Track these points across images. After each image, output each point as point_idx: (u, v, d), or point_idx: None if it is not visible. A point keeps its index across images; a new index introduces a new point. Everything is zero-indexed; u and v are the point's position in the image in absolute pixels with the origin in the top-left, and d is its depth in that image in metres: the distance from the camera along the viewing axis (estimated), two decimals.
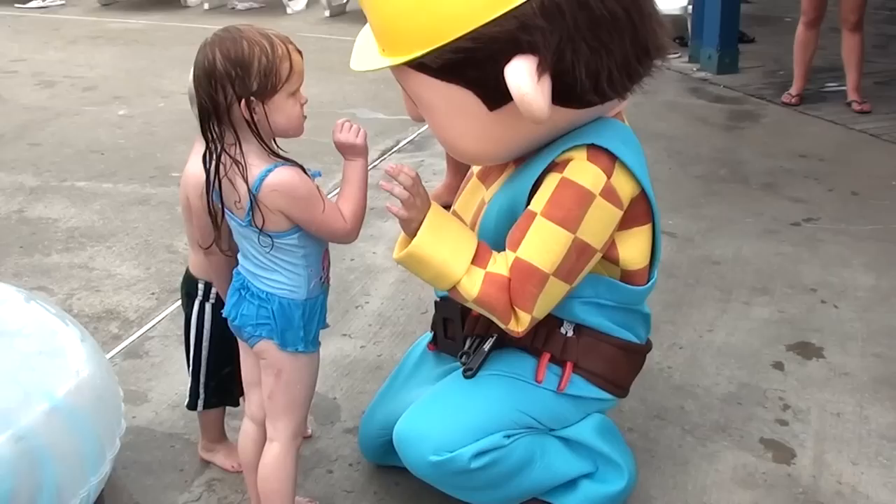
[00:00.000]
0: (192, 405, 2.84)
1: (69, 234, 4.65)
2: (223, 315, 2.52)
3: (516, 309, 2.27)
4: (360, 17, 9.95)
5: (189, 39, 8.96)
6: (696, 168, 5.62)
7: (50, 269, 4.32)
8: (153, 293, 4.07)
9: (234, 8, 10.38)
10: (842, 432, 3.10)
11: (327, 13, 10.02)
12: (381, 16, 2.22)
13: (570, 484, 2.60)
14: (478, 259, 2.27)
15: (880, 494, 2.82)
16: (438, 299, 2.65)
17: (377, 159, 5.69)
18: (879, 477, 2.89)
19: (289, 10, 10.17)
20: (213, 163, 2.24)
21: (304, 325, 2.40)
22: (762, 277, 4.20)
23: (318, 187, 2.31)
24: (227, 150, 2.23)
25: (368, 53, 2.32)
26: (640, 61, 2.18)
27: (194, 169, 2.42)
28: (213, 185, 2.27)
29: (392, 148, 5.95)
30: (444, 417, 2.42)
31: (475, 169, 2.64)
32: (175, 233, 4.63)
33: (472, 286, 2.24)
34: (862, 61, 6.66)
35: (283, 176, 2.23)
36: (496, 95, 2.13)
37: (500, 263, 2.27)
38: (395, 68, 2.23)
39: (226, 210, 2.31)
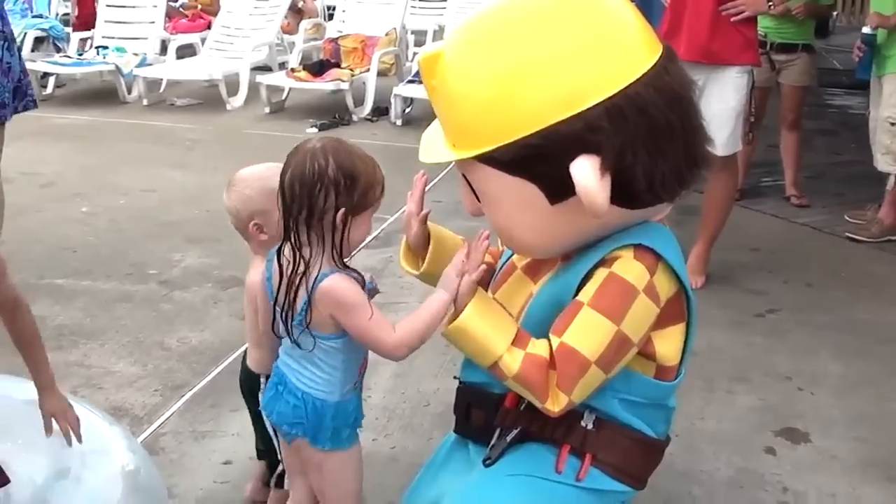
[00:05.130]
0: (280, 484, 3.00)
1: (59, 332, 4.67)
2: (260, 408, 2.67)
3: (556, 390, 2.42)
4: (298, 113, 10.02)
5: (134, 136, 9.07)
6: None
7: None
8: (156, 390, 4.14)
9: (173, 104, 10.41)
10: None
11: (267, 110, 10.16)
12: (456, 114, 2.37)
13: None
14: (518, 341, 2.41)
15: None
16: (461, 384, 2.78)
17: None
18: None
19: (228, 107, 10.26)
20: (294, 260, 2.38)
21: (333, 426, 2.53)
22: (739, 367, 4.43)
23: (368, 298, 2.43)
24: (305, 252, 2.37)
25: (436, 146, 2.45)
26: (690, 168, 2.37)
27: (258, 277, 2.65)
28: (289, 280, 2.39)
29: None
30: None
31: (517, 261, 2.79)
32: (164, 330, 4.72)
33: (512, 363, 2.37)
34: (800, 158, 7.08)
35: (333, 282, 2.36)
36: (559, 190, 2.28)
37: (540, 346, 2.42)
38: (463, 161, 2.39)
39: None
